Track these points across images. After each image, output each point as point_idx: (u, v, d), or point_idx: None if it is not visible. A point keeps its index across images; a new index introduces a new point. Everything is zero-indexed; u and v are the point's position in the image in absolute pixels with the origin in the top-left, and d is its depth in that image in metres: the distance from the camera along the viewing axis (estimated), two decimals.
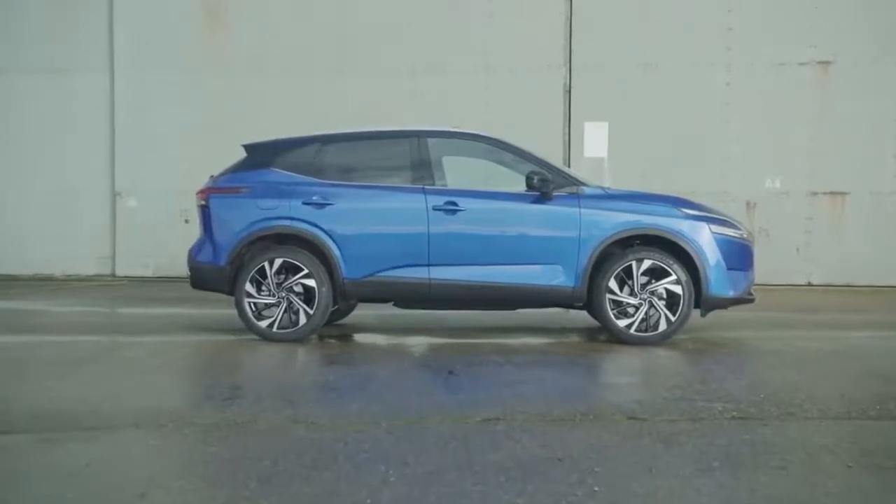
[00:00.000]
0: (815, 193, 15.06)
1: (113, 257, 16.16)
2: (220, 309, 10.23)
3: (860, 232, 14.89)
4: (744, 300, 8.39)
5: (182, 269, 15.01)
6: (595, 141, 15.47)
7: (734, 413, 5.56)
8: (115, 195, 16.12)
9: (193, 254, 8.83)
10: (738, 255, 8.34)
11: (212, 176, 9.04)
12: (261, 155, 8.86)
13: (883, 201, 14.83)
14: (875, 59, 14.87)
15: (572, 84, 15.49)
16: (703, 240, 8.21)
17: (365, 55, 15.64)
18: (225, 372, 7.05)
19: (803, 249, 15.03)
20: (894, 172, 14.86)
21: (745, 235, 8.47)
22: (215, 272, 8.63)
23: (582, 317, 9.43)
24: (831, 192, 15.04)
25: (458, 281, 8.37)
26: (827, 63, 15.03)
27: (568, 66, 15.52)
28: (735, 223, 8.48)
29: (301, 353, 8.03)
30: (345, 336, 9.06)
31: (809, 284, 14.99)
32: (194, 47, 15.97)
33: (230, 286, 8.62)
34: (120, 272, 16.02)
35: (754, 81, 15.11)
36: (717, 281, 8.21)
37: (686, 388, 6.28)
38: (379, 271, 8.43)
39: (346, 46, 15.72)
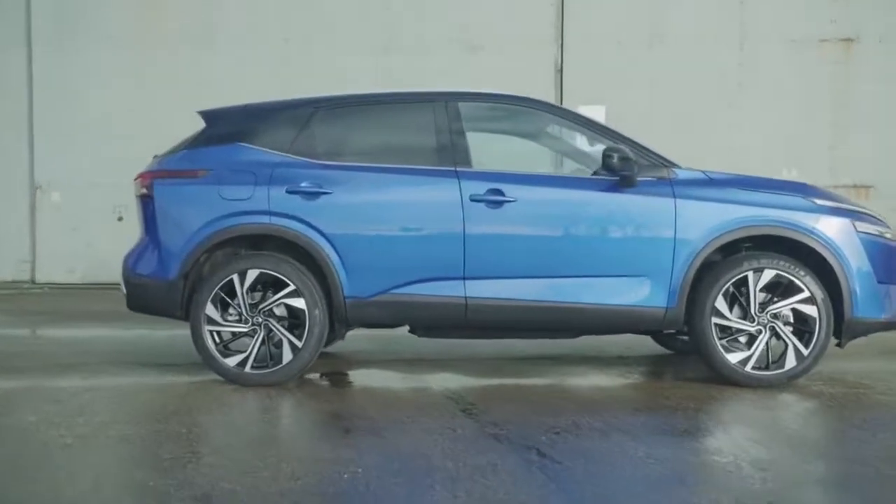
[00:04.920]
0: (836, 187, 12.62)
1: (32, 261, 12.99)
2: (170, 329, 7.29)
3: None
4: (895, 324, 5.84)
5: (116, 275, 12.22)
6: None
7: None
8: (34, 188, 12.95)
9: (131, 263, 5.97)
10: (890, 263, 5.78)
11: (156, 156, 6.21)
12: (226, 125, 6.05)
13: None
14: None
15: (564, 63, 12.90)
16: (847, 242, 5.64)
17: (333, 28, 12.76)
18: (172, 460, 4.22)
19: None
20: None
21: (893, 236, 5.90)
22: (162, 289, 5.79)
23: (628, 339, 6.71)
24: (854, 186, 12.70)
25: (506, 300, 5.68)
26: (850, 41, 12.69)
27: (560, 42, 12.92)
28: (881, 219, 5.92)
29: (289, 409, 5.28)
30: (339, 374, 6.30)
31: None
32: (127, 18, 12.89)
33: (184, 308, 5.80)
34: (41, 278, 12.88)
35: (769, 61, 12.70)
36: (866, 299, 5.63)
37: None
38: (394, 287, 5.70)
39: (309, 18, 12.81)
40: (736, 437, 4.54)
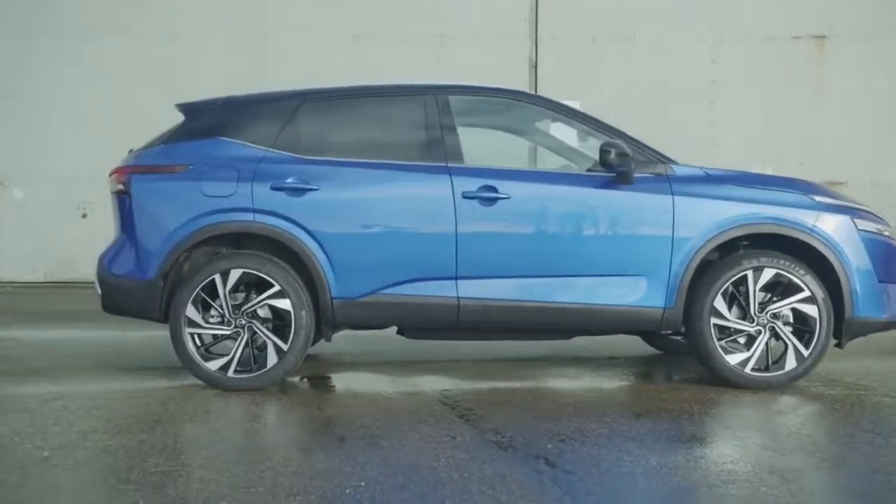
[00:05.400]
0: None
1: None
2: (142, 330, 6.97)
3: None
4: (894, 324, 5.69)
5: (80, 274, 11.85)
6: None
7: None
8: None
9: (106, 263, 5.66)
10: (890, 262, 5.64)
11: (132, 150, 5.90)
12: (206, 118, 5.76)
13: (888, 192, 12.45)
14: (873, 34, 12.53)
15: (539, 58, 12.72)
16: (847, 240, 5.48)
17: (303, 17, 12.42)
18: (160, 474, 3.95)
19: None
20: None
21: (892, 234, 5.76)
22: (140, 290, 5.49)
23: (617, 339, 6.43)
24: (826, 182, 12.59)
25: (500, 301, 5.46)
26: (822, 38, 12.64)
27: (534, 37, 12.73)
28: (880, 216, 5.77)
29: (278, 416, 5.03)
30: (323, 378, 6.05)
31: None
32: (90, 8, 12.42)
33: (163, 310, 5.50)
34: (3, 276, 12.40)
35: (742, 57, 12.63)
36: (866, 298, 5.48)
37: None
38: (384, 287, 5.45)
39: (280, 8, 12.45)
40: (748, 444, 4.34)
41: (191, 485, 3.68)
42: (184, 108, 5.82)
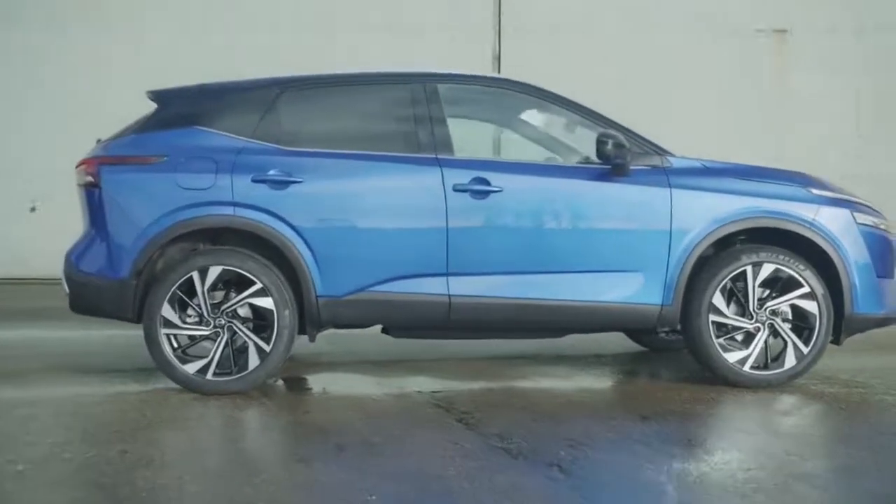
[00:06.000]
0: None
1: None
2: (107, 329, 6.51)
3: None
4: (892, 320, 5.55)
5: (31, 269, 11.32)
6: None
7: None
8: None
9: (75, 259, 5.29)
10: (888, 256, 5.50)
11: (99, 140, 5.54)
12: (180, 107, 5.42)
13: (852, 187, 12.39)
14: (833, 28, 12.50)
15: (502, 52, 12.49)
16: (847, 234, 5.33)
17: (268, 8, 12.01)
18: (151, 491, 3.63)
19: None
20: (858, 155, 12.50)
21: (888, 227, 5.62)
22: (112, 289, 5.14)
23: (601, 336, 6.19)
24: None
25: (493, 298, 5.21)
26: (783, 31, 12.60)
27: (497, 30, 12.49)
28: (877, 209, 5.63)
29: (265, 423, 4.74)
30: (304, 379, 5.75)
31: None
32: None
33: (136, 310, 5.16)
34: None
35: (706, 49, 12.49)
36: (866, 294, 5.33)
37: None
38: (372, 285, 5.17)
39: None
40: (767, 449, 4.14)
41: (184, 501, 3.38)
42: (156, 95, 5.46)
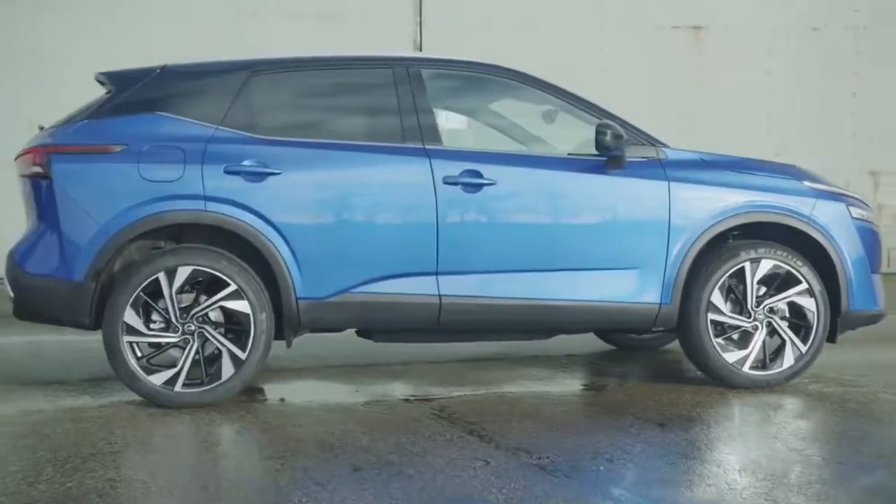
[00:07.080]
0: None
1: None
2: (57, 335, 5.76)
3: None
4: (883, 316, 5.40)
5: None
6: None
7: None
8: None
9: (19, 259, 4.66)
10: (878, 251, 5.35)
11: (42, 127, 4.93)
12: (139, 90, 4.83)
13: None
14: (747, 25, 12.59)
15: (423, 43, 12.08)
16: (843, 229, 5.15)
17: None
18: None
19: None
20: (770, 149, 12.59)
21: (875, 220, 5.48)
22: (65, 292, 4.54)
23: (568, 336, 5.71)
24: None
25: (485, 298, 4.83)
26: (699, 28, 12.62)
27: (419, 20, 12.08)
28: (866, 203, 5.48)
29: (259, 440, 4.25)
30: (271, 389, 5.24)
31: None
32: None
33: (93, 316, 4.57)
34: None
35: (627, 45, 12.39)
36: (862, 290, 5.16)
37: None
38: (356, 285, 4.72)
39: None
40: (810, 458, 3.88)
41: None
42: (111, 77, 4.88)
